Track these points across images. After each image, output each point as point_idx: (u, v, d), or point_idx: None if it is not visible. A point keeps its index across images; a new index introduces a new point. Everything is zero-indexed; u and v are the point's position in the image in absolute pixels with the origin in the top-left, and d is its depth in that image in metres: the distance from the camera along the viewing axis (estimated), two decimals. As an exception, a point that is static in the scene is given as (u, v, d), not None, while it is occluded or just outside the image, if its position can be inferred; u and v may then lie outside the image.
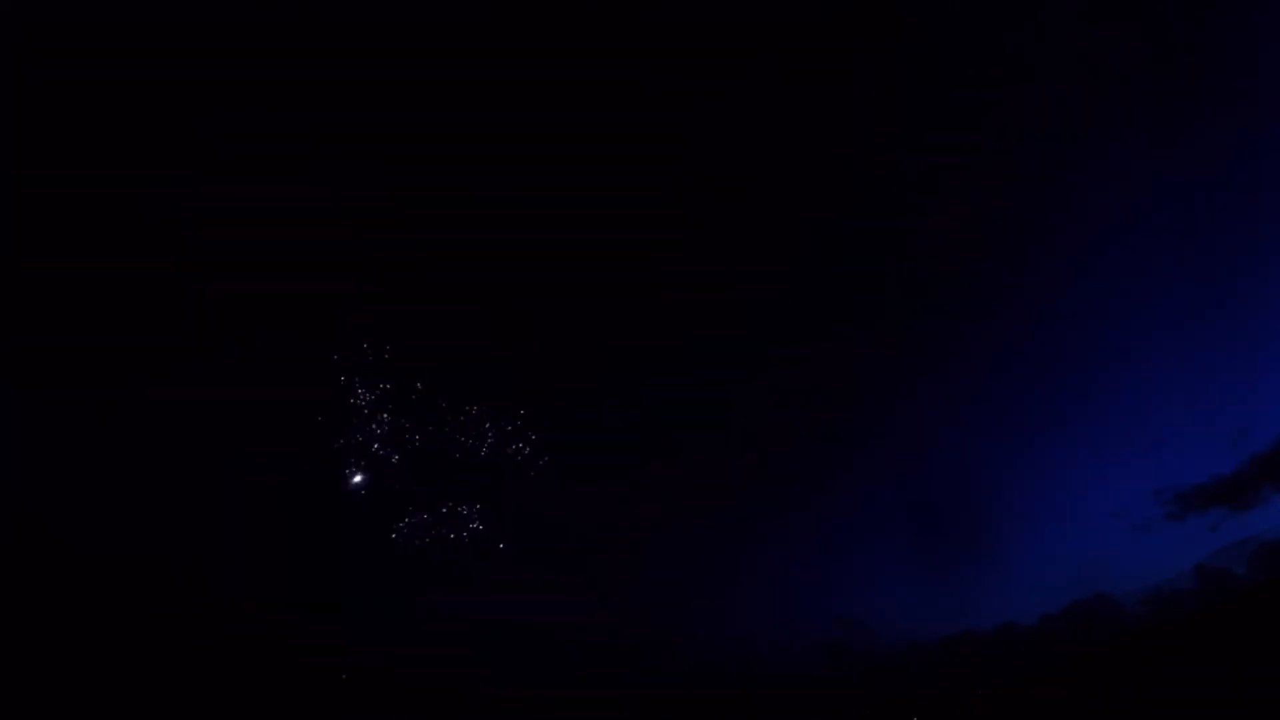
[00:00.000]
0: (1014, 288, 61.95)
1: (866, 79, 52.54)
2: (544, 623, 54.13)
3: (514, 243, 49.09)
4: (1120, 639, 52.19)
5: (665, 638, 57.79)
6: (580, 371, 56.50)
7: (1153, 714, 38.21)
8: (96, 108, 41.98)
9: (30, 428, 42.05)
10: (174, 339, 43.40)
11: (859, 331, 62.09)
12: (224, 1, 41.06)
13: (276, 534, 49.50)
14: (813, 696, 57.35)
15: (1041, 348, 63.32)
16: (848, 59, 51.31)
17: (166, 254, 42.88)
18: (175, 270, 42.84)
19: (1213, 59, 51.99)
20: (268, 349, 45.12)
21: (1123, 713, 40.37)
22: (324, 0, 42.16)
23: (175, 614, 43.71)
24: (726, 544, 62.71)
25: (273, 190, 43.38)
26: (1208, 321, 58.21)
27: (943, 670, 58.02)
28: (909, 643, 61.40)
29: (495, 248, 48.42)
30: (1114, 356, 61.37)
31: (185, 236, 43.64)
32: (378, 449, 48.33)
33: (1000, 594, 63.44)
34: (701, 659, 58.20)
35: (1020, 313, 62.91)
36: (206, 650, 43.43)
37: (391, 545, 51.25)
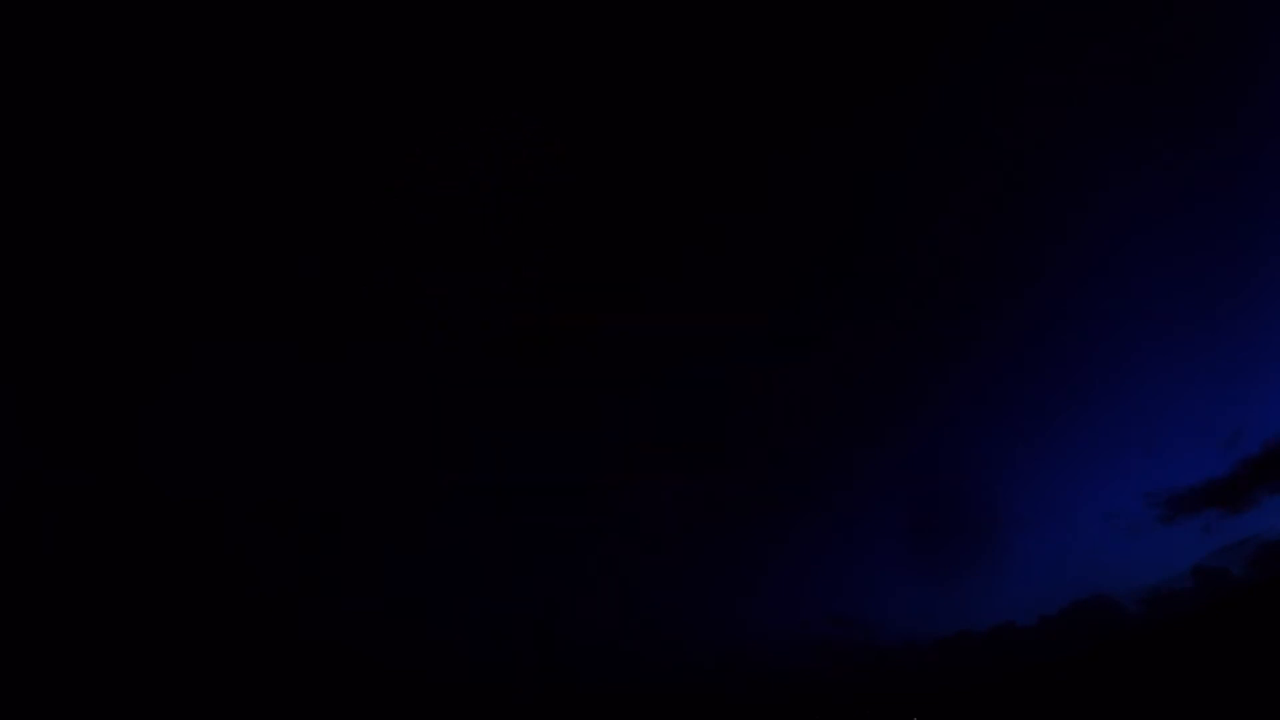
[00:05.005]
0: (1011, 297, 62.37)
1: (870, 92, 52.79)
2: (545, 621, 54.20)
3: (518, 250, 49.05)
4: (1119, 639, 52.31)
5: (666, 635, 57.85)
6: (583, 378, 56.62)
7: (1152, 713, 38.31)
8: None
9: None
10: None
11: (860, 339, 62.39)
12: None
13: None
14: (812, 695, 57.41)
15: (1036, 354, 63.67)
16: (860, 67, 51.48)
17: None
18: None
19: (1208, 76, 52.39)
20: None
21: (1122, 712, 40.48)
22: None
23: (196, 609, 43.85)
24: (728, 545, 62.79)
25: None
26: (1200, 327, 58.54)
27: (941, 670, 58.10)
28: (907, 642, 61.53)
29: (498, 258, 48.56)
30: (1107, 362, 61.65)
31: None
32: None
33: (998, 595, 63.55)
34: (702, 656, 58.26)
35: (1016, 321, 63.26)
36: (225, 645, 43.51)
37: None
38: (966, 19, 51.91)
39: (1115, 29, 51.68)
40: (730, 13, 48.30)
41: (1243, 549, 53.12)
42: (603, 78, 48.39)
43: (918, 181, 56.87)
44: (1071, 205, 57.47)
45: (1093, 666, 48.02)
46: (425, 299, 50.30)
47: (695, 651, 57.77)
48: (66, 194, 43.66)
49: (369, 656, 48.63)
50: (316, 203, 47.97)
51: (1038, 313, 62.37)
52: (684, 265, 56.57)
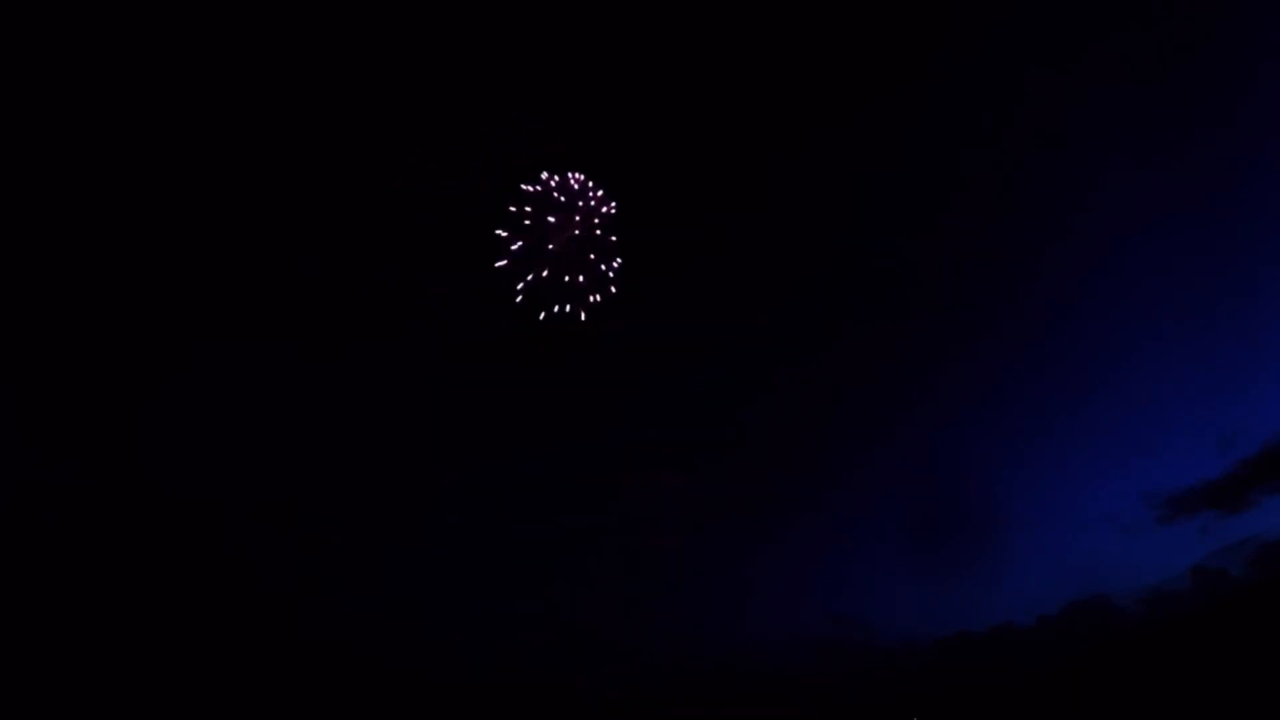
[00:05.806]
0: (1010, 300, 62.60)
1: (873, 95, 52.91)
2: (546, 621, 54.26)
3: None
4: (1118, 639, 52.38)
5: (666, 635, 57.94)
6: (583, 378, 56.55)
7: (1151, 713, 38.38)
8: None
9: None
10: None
11: (861, 338, 62.55)
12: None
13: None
14: (812, 695, 57.50)
15: (1035, 356, 63.89)
16: (860, 67, 51.54)
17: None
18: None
19: (1208, 76, 52.48)
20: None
21: (1121, 712, 40.55)
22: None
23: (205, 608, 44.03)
24: (728, 545, 62.87)
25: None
26: (1199, 328, 58.70)
27: (941, 670, 58.18)
28: (907, 642, 61.63)
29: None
30: (1105, 364, 61.84)
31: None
32: None
33: (997, 595, 63.68)
34: (702, 656, 58.36)
35: (1015, 324, 63.48)
36: (229, 645, 43.64)
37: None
38: (966, 19, 52.01)
39: (1115, 29, 51.75)
40: (730, 13, 48.36)
41: (1241, 549, 53.23)
42: (602, 77, 48.44)
43: (918, 181, 56.99)
44: (1071, 205, 57.57)
45: (1092, 666, 48.10)
46: (425, 299, 50.31)
47: (695, 651, 57.90)
48: (67, 194, 43.68)
49: (369, 656, 48.70)
50: (316, 203, 47.99)
51: (1037, 313, 62.62)
52: (684, 265, 56.62)
